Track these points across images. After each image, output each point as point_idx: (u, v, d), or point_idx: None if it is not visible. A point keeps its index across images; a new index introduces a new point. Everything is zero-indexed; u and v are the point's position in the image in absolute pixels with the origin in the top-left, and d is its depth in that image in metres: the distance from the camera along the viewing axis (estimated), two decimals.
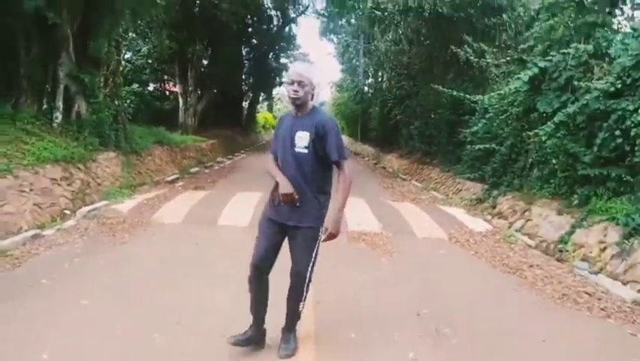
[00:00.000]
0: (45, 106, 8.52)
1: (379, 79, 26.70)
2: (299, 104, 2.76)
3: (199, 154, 15.00)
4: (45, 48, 8.41)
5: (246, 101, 30.11)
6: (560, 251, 5.98)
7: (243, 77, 27.62)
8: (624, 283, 4.81)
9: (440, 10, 12.82)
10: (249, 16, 23.35)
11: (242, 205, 7.07)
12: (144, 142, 10.98)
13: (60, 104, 8.50)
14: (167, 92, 22.65)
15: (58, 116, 8.43)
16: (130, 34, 17.67)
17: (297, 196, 2.72)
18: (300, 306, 2.88)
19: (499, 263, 5.31)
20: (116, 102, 10.20)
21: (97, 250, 4.98)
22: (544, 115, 7.44)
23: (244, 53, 26.75)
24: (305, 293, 2.87)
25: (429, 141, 14.72)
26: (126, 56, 20.32)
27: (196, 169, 13.01)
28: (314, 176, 2.76)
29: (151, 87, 22.19)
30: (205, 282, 4.14)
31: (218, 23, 18.56)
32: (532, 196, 7.60)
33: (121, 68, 13.58)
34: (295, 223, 2.77)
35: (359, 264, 5.00)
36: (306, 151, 2.72)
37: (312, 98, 2.83)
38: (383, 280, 4.52)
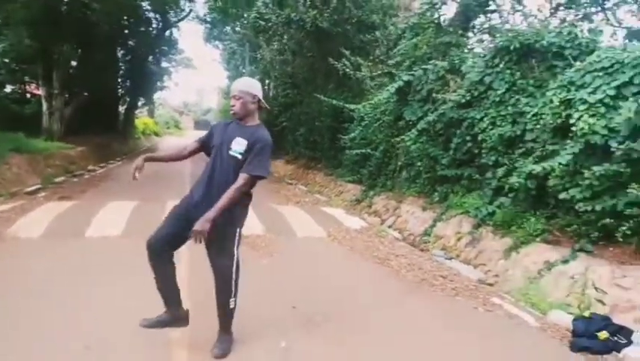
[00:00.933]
0: None
1: (266, 87, 26.91)
2: (239, 117, 2.96)
3: (66, 162, 13.64)
4: None
5: (122, 105, 28.14)
6: (425, 243, 6.66)
7: (119, 80, 25.80)
8: (475, 267, 5.53)
9: (320, 25, 13.44)
10: (125, 18, 21.97)
11: (113, 215, 6.60)
12: None
13: None
14: (29, 95, 20.27)
15: None
16: None
17: (137, 174, 2.93)
18: (231, 303, 2.99)
19: (370, 256, 5.75)
20: None
21: None
22: (410, 123, 8.21)
23: (120, 55, 25.03)
24: (234, 290, 2.98)
25: (313, 146, 15.23)
26: None
27: (62, 178, 11.79)
28: (231, 180, 2.84)
29: (8, 89, 19.65)
30: (60, 305, 3.74)
31: (89, 23, 17.17)
32: (402, 195, 8.34)
33: None
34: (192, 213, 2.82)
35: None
36: (239, 157, 2.87)
37: (259, 109, 3.04)
38: (263, 279, 4.58)
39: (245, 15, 21.19)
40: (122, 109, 28.11)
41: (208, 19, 28.57)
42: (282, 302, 3.97)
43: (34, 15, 14.95)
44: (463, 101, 6.93)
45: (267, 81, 26.84)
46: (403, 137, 7.81)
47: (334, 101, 10.74)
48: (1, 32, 17.04)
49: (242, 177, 2.82)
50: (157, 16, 25.30)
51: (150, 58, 27.00)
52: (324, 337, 3.33)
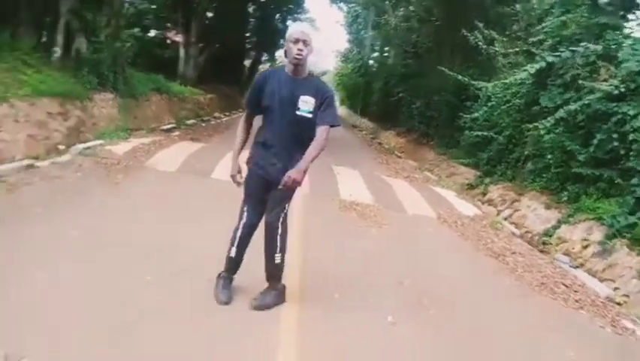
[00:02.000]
0: (44, 39, 8.31)
1: (386, 54, 26.33)
2: (302, 63, 2.74)
3: (196, 107, 14.82)
4: None
5: (248, 59, 29.53)
6: (544, 243, 6.15)
7: (247, 34, 26.97)
8: (601, 280, 4.98)
9: None
10: None
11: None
12: (142, 88, 10.79)
13: (60, 39, 8.27)
14: (169, 41, 22.11)
15: (58, 51, 8.21)
16: None
17: (240, 180, 2.89)
18: (277, 258, 2.93)
19: (483, 247, 5.45)
20: (117, 44, 9.94)
21: (90, 186, 4.99)
22: (546, 109, 7.48)
23: (250, 10, 26.05)
24: (279, 244, 2.91)
25: (428, 122, 14.73)
26: None
27: (193, 121, 12.88)
28: (306, 139, 2.77)
29: (152, 33, 21.59)
30: (195, 230, 4.17)
31: None
32: (524, 188, 7.73)
33: (124, 10, 13.21)
34: (279, 178, 2.73)
35: (348, 232, 5.08)
36: (310, 116, 2.75)
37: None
38: (370, 249, 4.62)
39: None
40: (247, 63, 29.52)
41: None
42: (389, 275, 3.95)
43: None
44: (616, 92, 6.10)
45: (387, 48, 26.26)
46: (535, 124, 7.15)
47: (459, 76, 10.10)
48: None
49: (324, 130, 2.75)
50: None
51: (277, 15, 27.69)
52: (431, 322, 3.25)
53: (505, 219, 7.24)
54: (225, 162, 7.06)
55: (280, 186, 2.65)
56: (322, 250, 4.23)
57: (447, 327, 3.22)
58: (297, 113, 2.74)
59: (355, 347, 2.77)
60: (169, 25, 21.38)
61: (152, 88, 11.55)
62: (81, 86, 7.90)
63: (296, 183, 2.65)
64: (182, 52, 18.95)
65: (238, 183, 2.92)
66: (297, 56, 2.68)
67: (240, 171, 2.93)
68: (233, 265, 3.03)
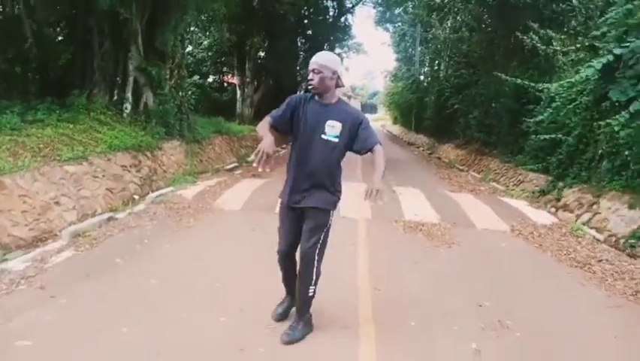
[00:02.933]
0: (116, 97, 9.09)
1: (436, 68, 26.01)
2: (318, 92, 2.82)
3: (256, 143, 15.16)
4: (116, 43, 8.96)
5: (300, 91, 30.37)
6: (632, 247, 5.63)
7: (298, 67, 27.84)
8: None
9: None
10: (305, 8, 23.46)
11: None
12: (205, 131, 11.42)
13: (129, 95, 9.01)
14: (226, 84, 23.32)
15: (128, 106, 8.95)
16: (192, 28, 18.40)
17: (272, 161, 2.66)
18: (310, 291, 2.94)
19: (565, 257, 5.09)
20: (180, 94, 10.66)
21: (165, 233, 5.28)
22: (618, 104, 6.99)
23: (299, 44, 26.92)
24: (314, 277, 2.91)
25: (488, 130, 14.22)
26: (188, 49, 21.22)
27: (253, 157, 13.33)
28: (336, 163, 2.86)
29: (210, 79, 22.94)
30: (263, 266, 4.25)
31: (276, 15, 18.82)
32: (601, 189, 7.18)
33: (185, 61, 14.19)
34: (310, 205, 2.84)
35: (417, 254, 4.96)
36: (336, 140, 2.80)
37: (336, 86, 2.87)
38: (441, 271, 4.47)
39: None
40: (300, 93, 30.36)
41: (380, 2, 28.61)
42: (466, 297, 3.78)
43: (232, 11, 17.01)
44: None
45: (437, 62, 25.94)
46: (608, 120, 6.67)
47: (518, 80, 9.73)
48: (207, 29, 19.87)
49: (378, 149, 2.81)
50: (334, 3, 26.38)
51: (326, 45, 28.38)
52: (518, 346, 3.04)
53: (585, 224, 6.74)
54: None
55: (365, 198, 2.65)
56: (391, 276, 4.15)
57: (536, 350, 3.01)
58: (323, 137, 2.80)
59: None
60: (225, 69, 22.62)
61: (213, 131, 12.19)
62: (150, 137, 8.50)
63: (380, 194, 2.65)
64: (238, 93, 19.94)
65: (266, 156, 2.60)
66: (309, 86, 2.82)
67: (270, 156, 2.64)
68: (285, 286, 3.22)
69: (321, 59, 2.82)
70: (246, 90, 19.71)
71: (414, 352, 2.91)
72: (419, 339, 3.06)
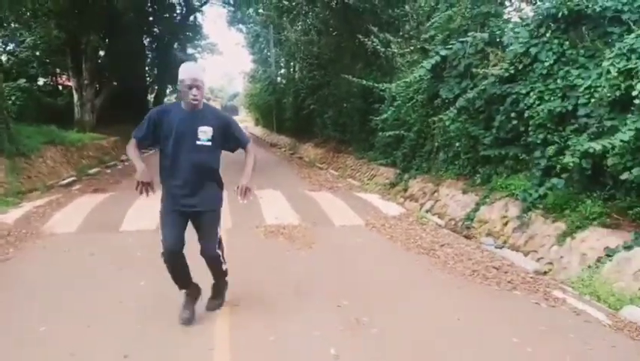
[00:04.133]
0: None
1: (291, 69, 26.55)
2: (198, 104, 2.97)
3: (100, 153, 13.80)
4: None
5: (151, 94, 28.38)
6: (467, 228, 6.32)
7: (147, 68, 25.97)
8: (525, 255, 5.18)
9: (346, 1, 12.96)
10: (148, 5, 21.92)
11: (149, 207, 6.47)
12: (33, 142, 9.82)
13: None
14: (60, 87, 20.58)
15: None
16: (11, 24, 15.79)
17: (153, 187, 2.97)
18: (224, 267, 3.29)
19: (413, 245, 5.45)
20: None
21: None
22: (447, 101, 7.80)
23: (146, 43, 25.12)
24: (222, 260, 3.24)
25: (343, 129, 14.92)
26: (8, 48, 18.20)
27: (96, 170, 11.93)
28: (214, 164, 3.09)
29: (41, 82, 19.97)
30: (100, 298, 3.69)
31: (114, 12, 17.17)
32: (440, 178, 7.97)
33: (0, 62, 12.04)
34: (200, 209, 3.05)
35: (278, 259, 4.84)
36: (209, 143, 2.98)
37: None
38: (303, 273, 4.41)
39: None
40: (150, 97, 28.35)
41: (231, 2, 28.21)
42: (326, 300, 3.74)
43: (60, 6, 15.04)
44: (506, 75, 6.49)
45: (291, 63, 26.48)
46: (440, 116, 7.41)
47: (364, 81, 10.33)
48: (30, 26, 17.23)
49: (250, 149, 3.20)
50: (180, 1, 25.18)
51: (176, 45, 27.01)
52: (374, 343, 3.07)
53: (428, 211, 7.40)
54: (135, 208, 6.51)
55: (239, 197, 2.99)
56: (251, 287, 3.94)
57: (391, 342, 3.07)
58: (197, 143, 2.96)
59: None
60: (58, 70, 19.92)
61: (44, 141, 10.56)
62: None
63: (249, 191, 3.03)
64: (75, 97, 17.64)
65: (147, 185, 2.94)
66: (194, 101, 2.92)
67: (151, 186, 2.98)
68: (180, 283, 3.21)
69: (195, 71, 2.96)
70: (84, 94, 17.52)
71: None
72: (279, 355, 2.90)
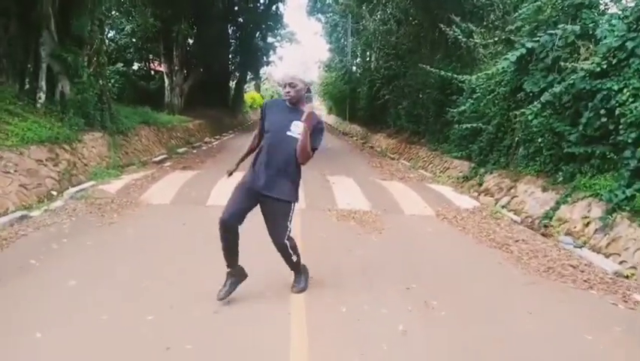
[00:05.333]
0: (27, 86, 8.35)
1: (367, 59, 26.52)
2: (293, 102, 3.24)
3: (186, 134, 14.86)
4: (25, 26, 8.19)
5: (232, 80, 29.72)
6: (545, 226, 6.13)
7: (230, 56, 27.19)
8: (606, 256, 4.96)
9: None
10: None
11: (231, 185, 6.95)
12: (130, 122, 10.83)
13: (43, 84, 8.32)
14: (153, 72, 22.24)
15: (42, 96, 8.26)
16: (113, 12, 17.30)
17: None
18: (294, 258, 3.44)
19: (485, 238, 5.42)
20: (101, 82, 9.99)
21: (85, 230, 4.95)
22: (531, 94, 7.52)
23: (230, 32, 26.29)
24: (291, 251, 3.39)
25: (417, 120, 14.79)
26: (109, 35, 19.95)
27: (184, 149, 12.90)
28: (294, 159, 3.23)
29: (135, 66, 21.73)
30: (193, 262, 4.14)
31: (204, 2, 18.20)
32: (518, 174, 7.73)
33: (104, 47, 13.31)
34: (273, 195, 3.22)
35: (349, 242, 5.06)
36: (299, 137, 3.17)
37: (304, 95, 3.27)
38: (373, 256, 4.59)
39: None
40: (232, 84, 29.71)
41: None
42: (395, 282, 3.90)
43: None
44: (598, 70, 6.14)
45: (368, 53, 26.46)
46: (523, 110, 7.18)
47: (442, 72, 10.15)
48: (129, 14, 18.79)
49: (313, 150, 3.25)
50: None
51: (257, 34, 27.95)
52: (443, 324, 3.20)
53: (504, 207, 7.24)
54: (219, 187, 7.04)
55: (302, 120, 3.09)
56: (324, 263, 4.19)
57: (460, 327, 3.17)
58: (288, 133, 3.19)
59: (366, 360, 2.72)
60: (151, 56, 21.54)
61: (139, 121, 11.59)
62: (68, 128, 7.92)
63: (310, 118, 3.09)
64: (166, 81, 19.07)
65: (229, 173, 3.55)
66: (286, 97, 3.25)
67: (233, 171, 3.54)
68: (226, 259, 3.36)
69: (293, 73, 3.27)
70: (174, 79, 18.89)
71: (344, 336, 2.96)
72: (349, 324, 3.12)
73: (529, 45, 7.33)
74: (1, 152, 5.77)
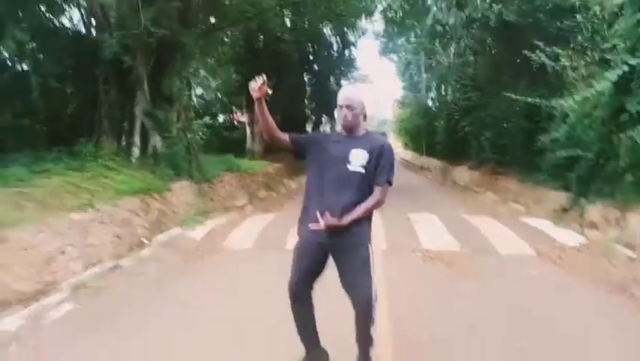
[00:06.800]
0: (124, 143, 9.10)
1: (443, 93, 26.09)
2: (350, 127, 2.73)
3: (266, 178, 15.28)
4: (122, 89, 9.05)
5: (309, 124, 30.58)
6: None
7: (306, 101, 28.15)
8: None
9: (507, 18, 12.31)
10: (309, 44, 23.89)
11: None
12: (215, 170, 11.34)
13: (137, 140, 9.03)
14: (236, 122, 23.65)
15: (136, 151, 8.94)
16: (200, 71, 18.83)
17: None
18: (372, 331, 2.66)
19: (602, 282, 4.69)
20: (189, 135, 10.68)
21: (171, 278, 5.08)
22: (637, 115, 6.73)
23: (306, 79, 27.32)
24: (374, 316, 2.64)
25: (502, 150, 14.05)
26: (199, 92, 21.70)
27: (264, 193, 13.22)
28: (365, 193, 2.65)
29: (221, 118, 23.34)
30: (275, 311, 3.97)
31: (281, 54, 19.18)
32: (628, 203, 6.82)
33: (192, 103, 14.40)
34: (342, 241, 2.61)
35: (437, 289, 4.61)
36: (362, 170, 2.65)
37: (364, 119, 2.79)
38: (470, 309, 4.03)
39: (419, 24, 20.93)
40: (309, 127, 30.57)
41: (383, 34, 29.09)
42: (496, 340, 3.38)
43: (238, 53, 17.39)
44: None
45: (443, 86, 26.01)
46: (629, 132, 6.40)
47: (529, 99, 9.54)
48: (214, 72, 20.34)
49: (379, 190, 2.66)
50: (337, 38, 26.91)
51: (332, 78, 28.75)
52: None
53: (614, 241, 6.34)
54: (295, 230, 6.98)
55: (317, 225, 2.55)
56: (412, 315, 3.80)
57: None
58: (349, 167, 2.64)
59: None
60: (234, 108, 23.01)
61: (224, 169, 12.11)
62: (159, 179, 8.42)
63: (335, 227, 2.54)
64: (248, 130, 20.18)
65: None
66: (343, 122, 2.74)
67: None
68: (302, 339, 2.83)
69: (349, 92, 2.79)
70: (254, 127, 19.94)
71: None
72: None
73: (631, 62, 6.64)
74: (98, 205, 6.19)
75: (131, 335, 3.59)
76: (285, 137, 2.89)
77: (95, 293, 4.55)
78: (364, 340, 2.68)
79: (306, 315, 2.76)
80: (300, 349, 2.82)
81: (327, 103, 29.25)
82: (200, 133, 16.74)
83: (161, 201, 7.89)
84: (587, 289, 4.61)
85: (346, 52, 28.60)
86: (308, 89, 27.99)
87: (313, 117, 30.44)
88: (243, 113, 21.63)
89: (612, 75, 6.76)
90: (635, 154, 6.86)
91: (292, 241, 6.31)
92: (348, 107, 2.69)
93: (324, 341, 2.84)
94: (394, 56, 34.44)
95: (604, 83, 6.90)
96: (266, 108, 2.84)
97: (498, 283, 4.77)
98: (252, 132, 20.09)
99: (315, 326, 2.79)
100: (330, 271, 2.73)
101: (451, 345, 3.31)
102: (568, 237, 6.63)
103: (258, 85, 2.74)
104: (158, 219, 7.42)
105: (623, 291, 4.39)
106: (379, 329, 2.83)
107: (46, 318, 3.91)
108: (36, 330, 3.66)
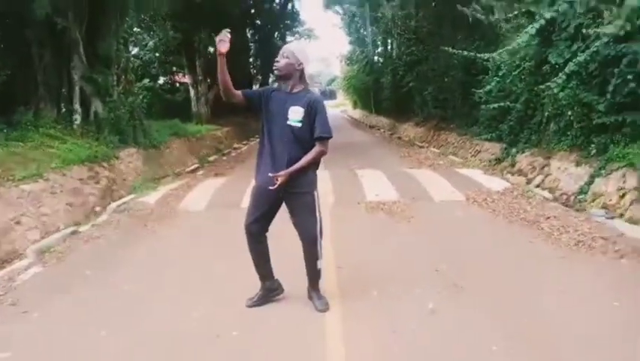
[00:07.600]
0: (64, 110, 8.82)
1: (388, 47, 26.26)
2: (280, 75, 3.02)
3: (215, 142, 15.23)
4: (57, 53, 8.67)
5: (255, 84, 30.08)
6: (580, 202, 6.01)
7: (251, 60, 27.57)
8: None
9: None
10: None
11: None
12: (162, 136, 11.22)
13: (77, 106, 8.78)
14: (178, 84, 22.87)
15: (77, 118, 8.72)
16: (135, 29, 17.91)
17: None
18: (318, 264, 3.15)
19: (516, 218, 5.40)
20: (130, 99, 10.43)
21: (131, 240, 5.27)
22: (557, 67, 7.32)
23: (249, 35, 26.64)
24: (319, 252, 3.12)
25: (444, 105, 14.57)
26: (134, 52, 20.67)
27: (214, 157, 13.27)
28: (305, 145, 2.99)
29: (161, 80, 22.40)
30: (233, 261, 4.33)
31: (221, 9, 18.55)
32: (551, 151, 7.56)
33: (131, 65, 13.86)
34: (291, 190, 2.99)
35: (378, 231, 5.19)
36: (299, 125, 2.96)
37: (300, 76, 3.03)
38: (402, 243, 4.70)
39: None
40: (256, 87, 30.09)
41: None
42: (424, 265, 4.00)
43: (175, 9, 16.70)
44: (622, 33, 5.92)
45: (388, 40, 26.15)
46: (548, 84, 7.02)
47: (465, 52, 9.97)
48: (150, 29, 19.39)
49: (319, 143, 2.99)
50: None
51: (276, 34, 28.19)
52: (471, 303, 3.27)
53: (538, 186, 7.11)
54: (250, 188, 7.26)
55: (270, 187, 2.89)
56: (354, 253, 4.36)
57: (488, 304, 3.25)
58: (288, 122, 2.96)
59: (398, 336, 2.85)
60: (175, 69, 22.15)
61: (170, 134, 11.99)
62: (105, 146, 8.32)
63: (278, 185, 2.89)
64: (192, 92, 19.57)
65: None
66: (274, 68, 3.04)
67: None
68: (257, 272, 3.30)
69: (291, 46, 3.12)
70: (199, 89, 19.37)
71: (377, 317, 3.11)
72: (381, 306, 3.26)
73: (548, 15, 7.14)
74: (47, 174, 6.16)
75: (105, 289, 3.84)
76: (238, 92, 3.09)
77: (61, 256, 4.69)
78: (312, 272, 3.18)
79: (261, 251, 3.18)
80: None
81: (273, 60, 28.80)
82: (141, 97, 16.23)
83: (109, 169, 7.86)
84: (502, 223, 5.34)
85: (289, 5, 27.97)
86: (252, 45, 27.33)
87: (259, 77, 29.87)
88: (185, 75, 20.90)
89: (532, 28, 7.26)
90: (557, 104, 7.51)
91: (247, 199, 6.65)
92: (281, 54, 3.00)
93: (279, 274, 3.37)
94: (339, 9, 33.95)
95: (526, 35, 7.40)
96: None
97: (428, 223, 5.45)
98: (196, 94, 19.47)
99: (269, 261, 3.23)
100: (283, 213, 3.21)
101: (382, 267, 4.01)
102: (495, 183, 7.34)
103: (229, 37, 2.95)
104: (108, 187, 7.43)
105: (533, 224, 5.11)
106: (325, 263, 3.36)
107: (17, 280, 4.05)
108: (10, 290, 3.82)
